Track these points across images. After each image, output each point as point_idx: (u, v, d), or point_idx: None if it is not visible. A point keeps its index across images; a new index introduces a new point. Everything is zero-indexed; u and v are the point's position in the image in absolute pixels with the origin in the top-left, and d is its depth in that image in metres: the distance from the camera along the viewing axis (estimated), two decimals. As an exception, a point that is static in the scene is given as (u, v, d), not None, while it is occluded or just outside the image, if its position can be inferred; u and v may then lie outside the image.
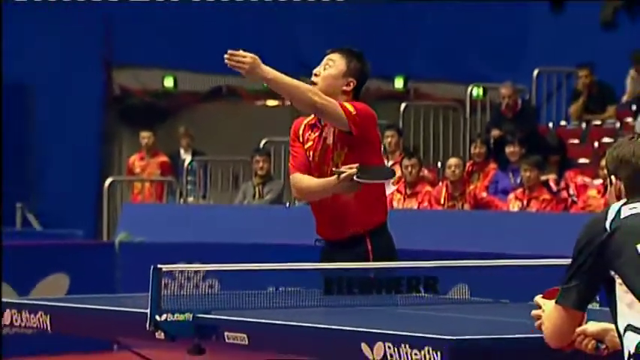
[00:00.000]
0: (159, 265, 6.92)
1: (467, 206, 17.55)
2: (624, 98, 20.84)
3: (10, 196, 21.93)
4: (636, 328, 5.30)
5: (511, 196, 17.32)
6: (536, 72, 22.58)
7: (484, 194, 17.79)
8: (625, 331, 5.34)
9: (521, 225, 15.88)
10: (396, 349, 6.01)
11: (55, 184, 22.68)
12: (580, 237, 5.48)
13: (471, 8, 24.51)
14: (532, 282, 7.84)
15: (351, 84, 8.30)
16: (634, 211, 5.39)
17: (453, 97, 23.83)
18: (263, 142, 20.81)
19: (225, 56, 7.92)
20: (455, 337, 6.03)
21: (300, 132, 8.41)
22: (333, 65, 8.27)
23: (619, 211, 5.41)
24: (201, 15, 23.95)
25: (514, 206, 16.95)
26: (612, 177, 5.60)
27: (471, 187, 17.99)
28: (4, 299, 14.27)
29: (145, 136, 21.79)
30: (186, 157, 21.62)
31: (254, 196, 18.89)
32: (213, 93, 25.15)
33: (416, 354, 5.98)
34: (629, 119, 19.79)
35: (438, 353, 5.92)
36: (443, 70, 24.27)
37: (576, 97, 21.15)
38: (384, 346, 6.05)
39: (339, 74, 8.26)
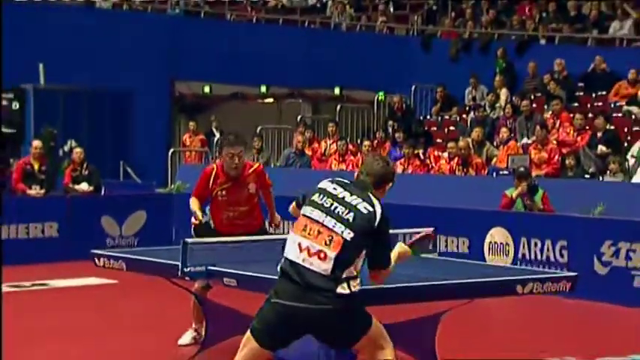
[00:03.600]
0: (186, 240, 6.69)
1: (373, 168, 17.45)
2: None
3: (115, 157, 21.73)
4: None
5: (398, 162, 16.97)
6: (413, 87, 22.47)
7: (383, 161, 17.55)
8: None
9: (402, 182, 15.66)
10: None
11: (142, 150, 22.42)
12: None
13: (380, 48, 24.37)
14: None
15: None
16: (323, 184, 5.40)
17: (367, 100, 23.55)
18: (259, 128, 20.63)
19: None
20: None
21: (212, 179, 8.04)
22: (242, 155, 7.92)
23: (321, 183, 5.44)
24: (227, 47, 23.66)
25: (400, 168, 16.67)
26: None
27: (376, 156, 17.82)
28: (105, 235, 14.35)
29: (191, 124, 21.53)
30: (216, 136, 21.34)
31: (253, 161, 18.60)
32: (232, 96, 24.80)
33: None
34: (464, 115, 19.66)
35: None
36: (362, 83, 23.93)
37: (436, 102, 21.00)
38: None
39: (244, 157, 7.98)
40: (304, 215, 5.29)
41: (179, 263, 6.60)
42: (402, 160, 16.90)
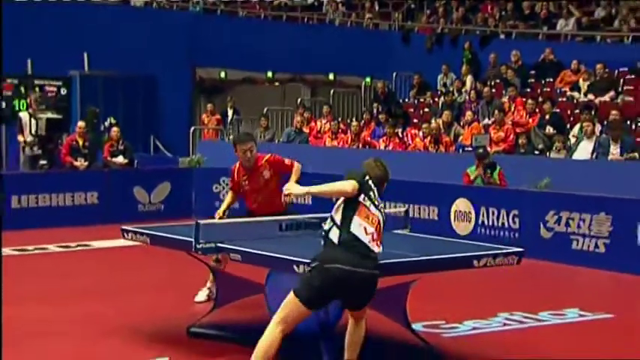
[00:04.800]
0: (199, 221, 6.64)
1: (360, 145, 17.24)
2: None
3: (146, 133, 21.58)
4: (334, 221, 5.47)
5: (381, 140, 16.89)
6: (394, 74, 22.14)
7: (368, 139, 17.29)
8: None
9: (387, 156, 15.50)
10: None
11: (168, 127, 22.27)
12: (360, 173, 5.61)
13: (367, 40, 24.17)
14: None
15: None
16: (371, 183, 5.57)
17: (356, 85, 23.40)
18: (265, 109, 20.51)
19: None
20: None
21: (236, 173, 8.01)
22: (252, 149, 7.80)
23: (367, 178, 5.55)
24: (240, 38, 23.52)
25: (382, 146, 16.63)
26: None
27: (363, 134, 17.54)
28: (137, 202, 14.25)
29: (209, 106, 21.28)
30: (229, 116, 21.19)
31: (261, 137, 18.50)
32: (244, 80, 24.63)
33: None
34: (436, 99, 19.45)
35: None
36: (352, 70, 23.74)
37: (413, 87, 20.77)
38: (303, 268, 5.82)
39: (255, 150, 7.84)
40: (364, 205, 5.47)
41: (192, 240, 6.58)
42: (384, 138, 16.76)
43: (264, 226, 7.15)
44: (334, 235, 5.44)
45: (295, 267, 5.91)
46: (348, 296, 5.56)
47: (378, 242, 5.48)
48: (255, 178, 7.92)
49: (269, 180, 7.91)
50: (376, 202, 5.53)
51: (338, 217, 5.48)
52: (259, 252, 6.30)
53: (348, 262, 5.34)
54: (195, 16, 25.01)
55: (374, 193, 5.55)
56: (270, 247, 6.39)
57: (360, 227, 5.41)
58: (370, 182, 5.57)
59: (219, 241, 6.61)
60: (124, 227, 7.48)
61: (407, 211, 7.66)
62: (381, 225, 5.55)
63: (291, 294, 5.47)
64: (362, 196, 5.48)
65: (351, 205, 5.48)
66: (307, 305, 5.41)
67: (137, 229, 7.38)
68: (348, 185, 5.48)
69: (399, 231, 7.46)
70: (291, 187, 5.99)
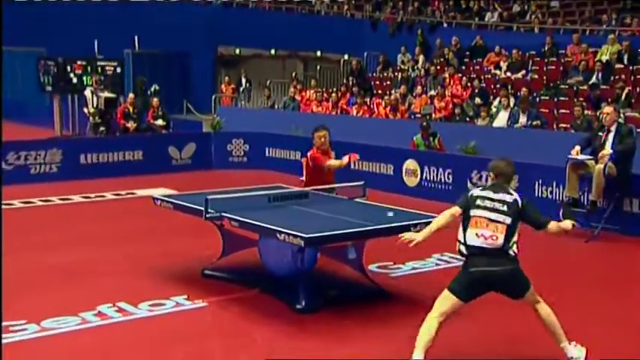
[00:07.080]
0: (207, 197, 6.48)
1: (338, 111, 16.91)
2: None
3: (180, 98, 21.19)
4: (458, 240, 4.91)
5: (354, 108, 16.58)
6: (365, 53, 21.62)
7: (344, 106, 16.89)
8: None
9: (357, 122, 15.34)
10: (287, 237, 5.65)
11: (197, 94, 21.88)
12: (465, 194, 5.00)
13: (345, 26, 23.70)
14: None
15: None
16: (477, 193, 4.95)
17: (336, 60, 22.99)
18: (268, 81, 20.12)
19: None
20: (308, 235, 5.51)
21: (317, 157, 7.38)
22: (326, 136, 7.31)
23: (472, 192, 4.97)
24: (250, 24, 23.08)
25: (354, 112, 16.31)
26: (490, 173, 5.05)
27: (340, 102, 17.22)
28: (171, 158, 13.93)
29: (226, 78, 20.96)
30: (242, 85, 20.78)
31: (264, 104, 18.19)
32: (254, 56, 24.30)
33: (292, 240, 5.58)
34: (396, 73, 19.01)
35: (302, 241, 5.53)
36: (334, 49, 23.32)
37: (379, 64, 20.30)
38: (283, 236, 5.67)
39: (328, 137, 7.36)
40: (474, 215, 4.85)
41: (203, 210, 6.41)
42: (357, 105, 16.41)
43: (257, 198, 6.99)
44: (462, 248, 4.92)
45: (278, 235, 5.77)
46: (497, 290, 4.94)
47: (495, 237, 4.78)
48: (326, 159, 7.36)
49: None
50: (491, 206, 4.82)
51: (460, 235, 4.93)
52: (251, 221, 6.14)
53: (482, 264, 4.79)
54: (217, 8, 24.65)
55: (487, 198, 4.85)
56: (261, 217, 6.25)
57: (473, 236, 4.82)
58: (477, 193, 4.94)
59: (223, 210, 6.45)
60: (154, 196, 7.32)
61: (364, 184, 7.48)
62: (494, 220, 4.80)
63: (446, 291, 4.93)
64: (471, 210, 4.88)
65: (466, 221, 4.91)
66: (460, 299, 4.86)
67: (164, 198, 7.21)
68: (450, 213, 4.94)
69: (358, 199, 7.30)
70: (413, 236, 5.17)
